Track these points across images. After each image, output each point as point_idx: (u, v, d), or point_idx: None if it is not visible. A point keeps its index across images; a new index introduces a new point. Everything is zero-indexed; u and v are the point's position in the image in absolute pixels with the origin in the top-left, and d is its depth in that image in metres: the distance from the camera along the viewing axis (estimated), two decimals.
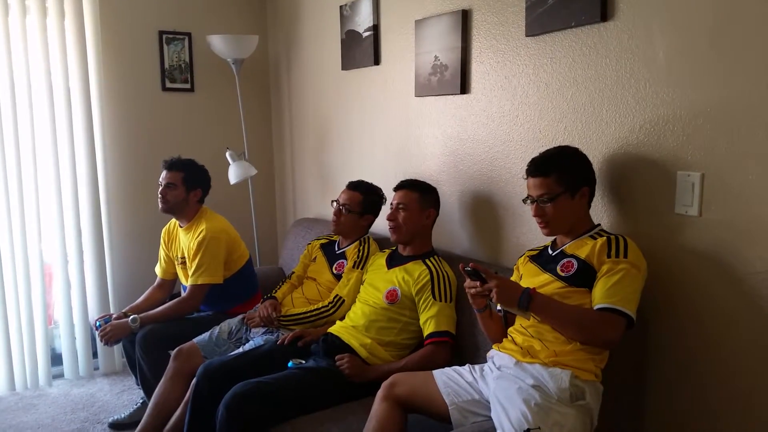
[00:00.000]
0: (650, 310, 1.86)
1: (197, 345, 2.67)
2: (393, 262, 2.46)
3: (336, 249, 2.80)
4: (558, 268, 1.84)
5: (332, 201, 2.78)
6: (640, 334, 1.86)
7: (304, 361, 2.34)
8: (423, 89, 2.71)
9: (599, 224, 1.91)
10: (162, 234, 3.14)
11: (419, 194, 2.42)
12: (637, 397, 1.93)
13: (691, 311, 1.78)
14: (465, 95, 2.51)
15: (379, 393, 1.91)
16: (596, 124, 2.00)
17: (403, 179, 2.50)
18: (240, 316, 2.81)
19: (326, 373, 2.24)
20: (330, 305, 2.60)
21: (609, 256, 1.75)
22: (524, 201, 1.92)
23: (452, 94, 2.56)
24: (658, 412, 1.89)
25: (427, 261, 2.36)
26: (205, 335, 2.72)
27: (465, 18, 2.44)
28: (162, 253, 3.15)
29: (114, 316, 2.92)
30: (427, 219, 2.42)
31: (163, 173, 2.95)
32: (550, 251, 1.94)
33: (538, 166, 1.86)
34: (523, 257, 2.04)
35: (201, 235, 2.87)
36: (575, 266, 1.81)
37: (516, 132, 2.30)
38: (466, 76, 2.49)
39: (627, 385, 1.91)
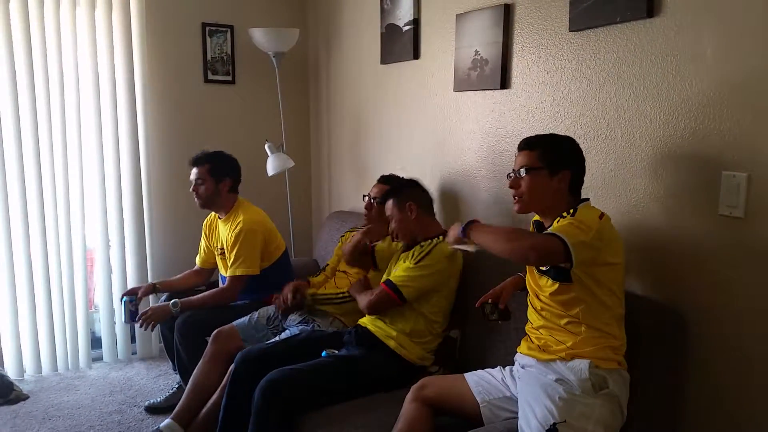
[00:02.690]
0: (692, 310, 1.83)
1: (236, 328, 2.72)
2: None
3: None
4: None
5: (364, 195, 2.79)
6: (680, 335, 1.83)
7: (337, 351, 2.37)
8: (462, 84, 2.70)
9: (584, 201, 1.84)
10: (203, 225, 3.21)
11: (393, 199, 2.46)
12: (677, 398, 1.90)
13: (734, 313, 1.74)
14: (505, 90, 2.49)
15: (409, 395, 1.94)
16: (640, 122, 1.97)
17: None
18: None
19: (358, 363, 2.28)
20: None
21: (560, 219, 1.76)
22: (508, 176, 1.91)
23: (492, 89, 2.54)
24: (698, 414, 1.86)
25: (424, 242, 2.38)
26: (245, 319, 2.77)
27: (507, 12, 2.43)
28: (203, 243, 3.21)
29: (141, 289, 3.02)
30: (411, 214, 2.43)
31: (192, 171, 3.00)
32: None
33: (527, 141, 1.89)
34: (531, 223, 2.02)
35: (238, 227, 2.91)
36: None
37: (556, 128, 2.27)
38: (506, 70, 2.47)
39: (666, 386, 1.87)
